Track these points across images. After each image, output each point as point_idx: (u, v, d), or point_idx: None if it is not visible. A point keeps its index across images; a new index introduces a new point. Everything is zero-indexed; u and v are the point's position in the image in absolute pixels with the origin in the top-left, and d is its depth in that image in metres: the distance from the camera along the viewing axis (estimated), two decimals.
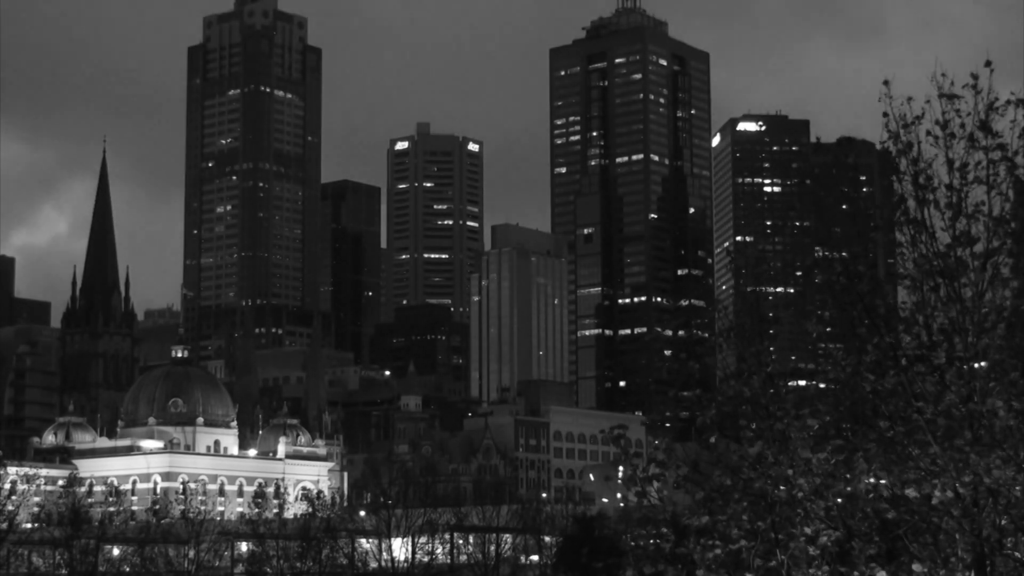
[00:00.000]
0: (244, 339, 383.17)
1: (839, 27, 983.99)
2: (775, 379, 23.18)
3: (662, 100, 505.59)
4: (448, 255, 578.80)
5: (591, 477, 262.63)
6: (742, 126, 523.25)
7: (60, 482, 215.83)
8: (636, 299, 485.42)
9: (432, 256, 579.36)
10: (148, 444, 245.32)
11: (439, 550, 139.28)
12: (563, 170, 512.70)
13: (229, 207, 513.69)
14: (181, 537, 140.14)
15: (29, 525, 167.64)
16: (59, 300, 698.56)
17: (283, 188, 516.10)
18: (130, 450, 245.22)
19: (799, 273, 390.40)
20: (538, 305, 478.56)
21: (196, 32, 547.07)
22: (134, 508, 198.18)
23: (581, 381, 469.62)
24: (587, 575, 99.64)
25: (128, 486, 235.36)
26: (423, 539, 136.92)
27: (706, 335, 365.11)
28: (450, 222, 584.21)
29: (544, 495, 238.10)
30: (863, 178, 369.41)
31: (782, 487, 21.77)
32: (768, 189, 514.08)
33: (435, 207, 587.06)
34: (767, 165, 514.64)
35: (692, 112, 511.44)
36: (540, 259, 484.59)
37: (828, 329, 23.87)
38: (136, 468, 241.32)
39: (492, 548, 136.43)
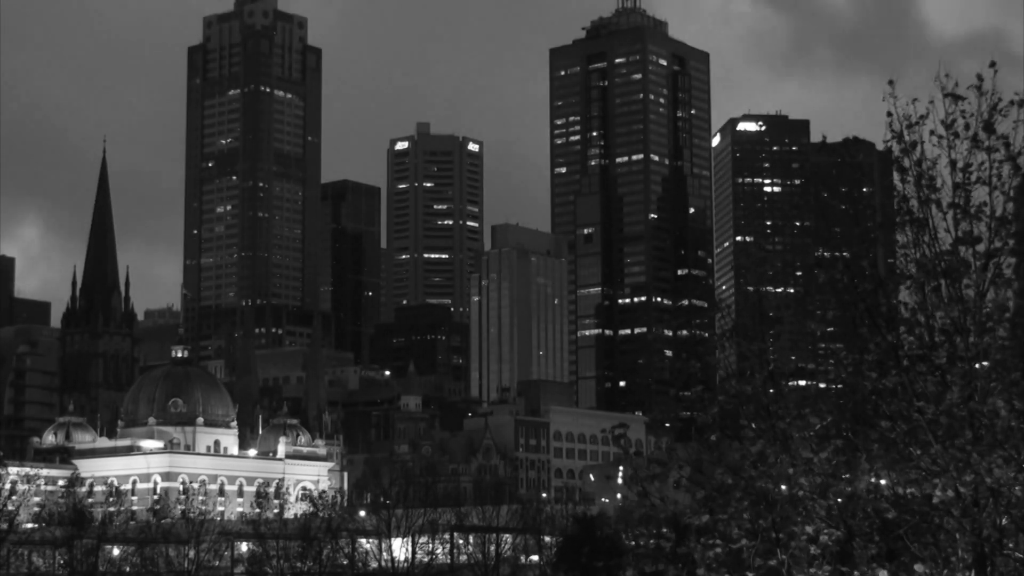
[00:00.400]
0: (244, 339, 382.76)
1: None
2: (777, 378, 23.21)
3: (662, 100, 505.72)
4: (448, 255, 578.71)
5: (591, 477, 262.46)
6: (742, 126, 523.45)
7: (60, 482, 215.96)
8: (636, 299, 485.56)
9: (432, 256, 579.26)
10: (148, 444, 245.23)
11: (439, 550, 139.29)
12: (563, 170, 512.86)
13: (229, 207, 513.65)
14: (181, 537, 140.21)
15: (29, 525, 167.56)
16: (59, 300, 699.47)
17: (283, 188, 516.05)
18: (130, 450, 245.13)
19: (799, 273, 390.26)
20: (538, 305, 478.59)
21: (196, 32, 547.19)
22: (134, 508, 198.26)
23: (581, 381, 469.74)
24: (587, 575, 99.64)
25: (128, 486, 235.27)
26: (423, 539, 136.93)
27: (706, 335, 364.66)
28: (450, 222, 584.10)
29: (544, 495, 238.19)
30: (864, 178, 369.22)
31: (783, 486, 21.80)
32: (768, 189, 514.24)
33: (435, 207, 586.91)
34: (767, 165, 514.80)
35: (692, 112, 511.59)
36: (540, 259, 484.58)
37: (830, 329, 23.89)
38: (136, 468, 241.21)
39: (492, 548, 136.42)
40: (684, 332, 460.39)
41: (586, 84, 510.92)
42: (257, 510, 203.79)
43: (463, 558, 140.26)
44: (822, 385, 23.70)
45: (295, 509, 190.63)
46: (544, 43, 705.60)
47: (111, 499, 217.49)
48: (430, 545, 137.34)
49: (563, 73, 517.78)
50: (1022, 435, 21.09)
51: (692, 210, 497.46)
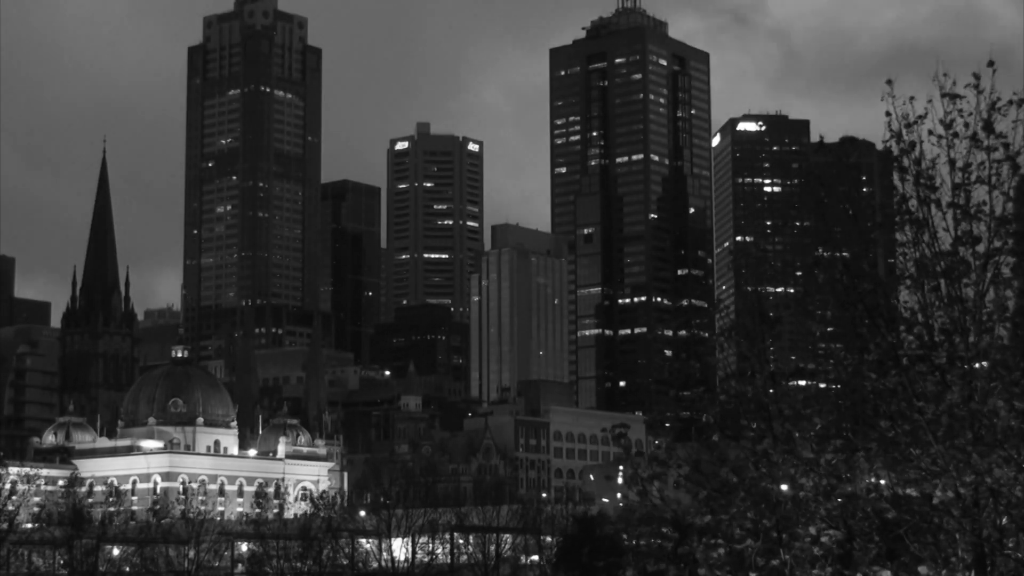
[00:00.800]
0: (244, 339, 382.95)
1: None
2: (777, 378, 23.20)
3: (662, 100, 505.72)
4: (448, 255, 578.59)
5: (591, 477, 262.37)
6: (742, 126, 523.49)
7: (60, 482, 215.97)
8: (636, 299, 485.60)
9: (432, 256, 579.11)
10: (148, 444, 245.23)
11: (439, 550, 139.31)
12: (563, 170, 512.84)
13: (229, 207, 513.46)
14: (181, 537, 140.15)
15: (29, 525, 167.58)
16: (59, 300, 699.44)
17: (283, 188, 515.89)
18: (130, 450, 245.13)
19: (799, 273, 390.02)
20: (538, 305, 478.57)
21: (196, 32, 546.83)
22: (134, 508, 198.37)
23: (581, 381, 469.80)
24: (587, 575, 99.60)
25: (128, 486, 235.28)
26: (423, 539, 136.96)
27: (706, 335, 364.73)
28: (450, 222, 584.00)
29: (544, 495, 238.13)
30: (864, 178, 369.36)
31: (785, 486, 21.78)
32: (768, 189, 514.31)
33: (435, 207, 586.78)
34: (767, 165, 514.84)
35: (692, 112, 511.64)
36: (540, 259, 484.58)
37: (829, 329, 23.88)
38: (136, 468, 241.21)
39: (492, 548, 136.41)
40: (684, 332, 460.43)
41: (586, 84, 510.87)
42: (257, 510, 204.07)
43: (463, 558, 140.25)
44: (822, 385, 23.68)
45: (295, 509, 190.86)
46: (544, 43, 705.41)
47: (111, 499, 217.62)
48: (430, 545, 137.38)
49: (563, 73, 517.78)
50: (1022, 435, 21.08)
51: (692, 210, 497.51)
